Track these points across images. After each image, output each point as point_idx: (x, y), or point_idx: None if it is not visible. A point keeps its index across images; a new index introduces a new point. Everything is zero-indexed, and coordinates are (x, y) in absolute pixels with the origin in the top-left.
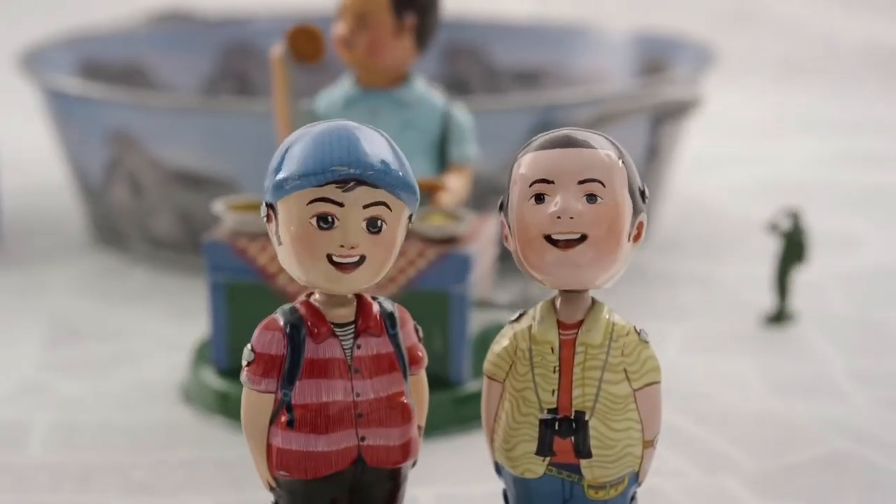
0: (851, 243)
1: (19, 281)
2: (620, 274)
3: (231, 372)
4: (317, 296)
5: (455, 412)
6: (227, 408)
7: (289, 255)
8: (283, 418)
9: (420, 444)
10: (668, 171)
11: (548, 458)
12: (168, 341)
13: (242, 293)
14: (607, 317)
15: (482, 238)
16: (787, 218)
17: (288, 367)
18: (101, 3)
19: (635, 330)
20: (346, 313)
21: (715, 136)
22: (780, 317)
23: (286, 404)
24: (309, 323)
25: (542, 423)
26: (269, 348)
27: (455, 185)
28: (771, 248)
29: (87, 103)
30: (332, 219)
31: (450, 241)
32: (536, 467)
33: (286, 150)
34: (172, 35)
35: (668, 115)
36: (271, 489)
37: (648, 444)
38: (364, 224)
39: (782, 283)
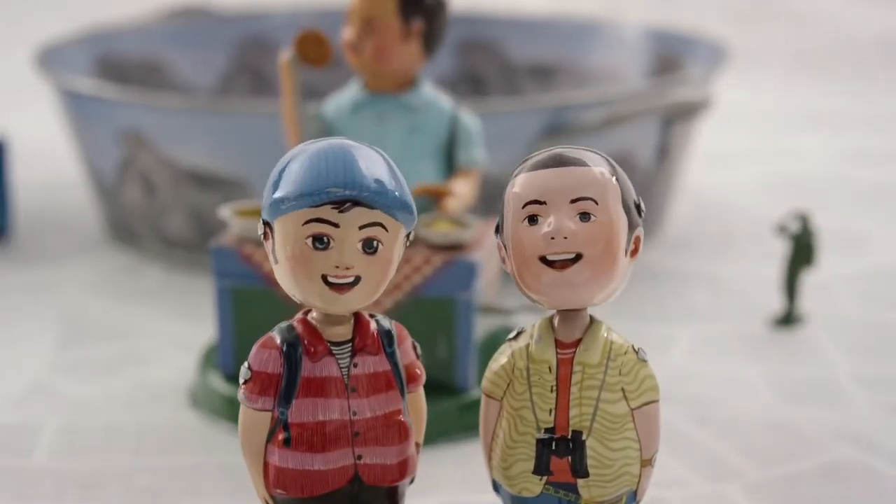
0: (865, 242)
1: (32, 278)
2: (620, 290)
3: (237, 377)
4: (314, 314)
5: (460, 419)
6: (234, 412)
7: (285, 274)
8: (280, 436)
9: (418, 461)
10: (679, 170)
11: (545, 477)
12: (178, 341)
13: (249, 299)
14: (605, 335)
15: (488, 244)
16: (796, 220)
17: (285, 386)
18: None
19: (633, 349)
20: (344, 331)
21: (727, 132)
22: (788, 319)
23: (283, 422)
24: (306, 341)
25: (539, 442)
26: (266, 366)
27: (462, 190)
28: (782, 246)
29: (100, 103)
30: (328, 239)
31: (456, 247)
32: (533, 486)
33: (283, 168)
34: (188, 30)
35: (678, 116)
36: None
37: (646, 462)
38: (360, 245)
39: (791, 286)
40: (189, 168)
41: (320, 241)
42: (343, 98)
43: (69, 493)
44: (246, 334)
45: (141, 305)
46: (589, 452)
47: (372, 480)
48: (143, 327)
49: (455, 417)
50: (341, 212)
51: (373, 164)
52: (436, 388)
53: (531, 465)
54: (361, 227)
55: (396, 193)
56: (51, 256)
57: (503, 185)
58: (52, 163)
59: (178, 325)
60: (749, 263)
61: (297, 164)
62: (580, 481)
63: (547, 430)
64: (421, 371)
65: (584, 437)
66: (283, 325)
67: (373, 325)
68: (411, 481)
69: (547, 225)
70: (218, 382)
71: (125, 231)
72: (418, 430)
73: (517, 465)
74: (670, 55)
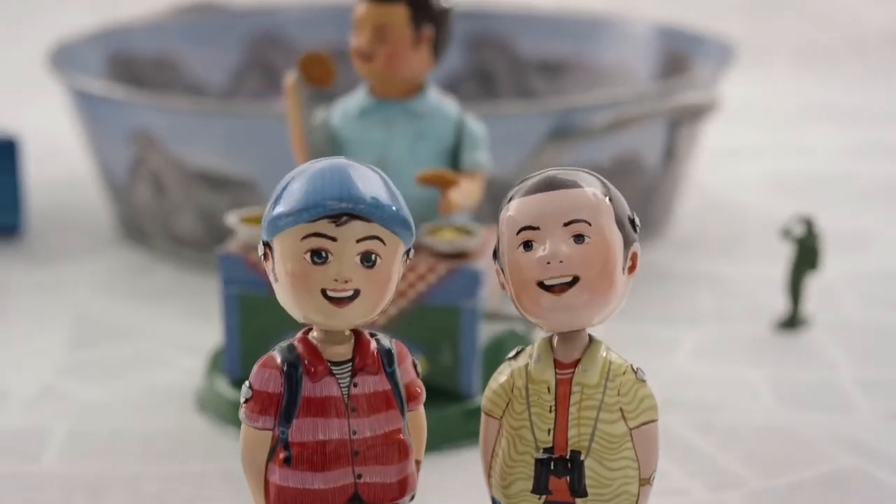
0: (872, 242)
1: (44, 277)
2: (619, 308)
3: (243, 383)
4: (315, 333)
5: (464, 425)
6: (239, 419)
7: (285, 291)
8: (281, 455)
9: (418, 478)
10: (686, 170)
11: (544, 497)
12: (187, 342)
13: (255, 305)
14: (604, 355)
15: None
16: (800, 224)
17: (285, 405)
18: None
19: (632, 369)
20: (344, 351)
21: (734, 128)
22: (792, 323)
23: (284, 441)
24: (306, 361)
25: (538, 462)
26: (267, 386)
27: (466, 185)
28: (788, 246)
29: (110, 104)
30: (326, 253)
31: (461, 255)
32: None
33: (282, 190)
34: (200, 26)
35: (686, 118)
36: None
37: (645, 481)
38: (358, 258)
39: (795, 290)
40: (198, 169)
41: (318, 256)
42: (349, 104)
43: (77, 499)
44: (252, 340)
45: (151, 305)
46: (587, 472)
47: (372, 499)
48: (152, 328)
49: (459, 423)
50: (338, 225)
51: (369, 180)
52: (440, 395)
53: (530, 484)
54: (359, 241)
55: (393, 208)
56: (63, 254)
57: (510, 188)
58: (65, 159)
59: (187, 325)
60: (756, 263)
61: (294, 184)
62: (579, 501)
63: (546, 450)
64: (421, 389)
65: (582, 457)
66: (284, 344)
67: (373, 345)
68: (411, 498)
69: (542, 250)
70: (224, 387)
71: (136, 230)
72: (418, 448)
73: (516, 483)
74: (679, 53)
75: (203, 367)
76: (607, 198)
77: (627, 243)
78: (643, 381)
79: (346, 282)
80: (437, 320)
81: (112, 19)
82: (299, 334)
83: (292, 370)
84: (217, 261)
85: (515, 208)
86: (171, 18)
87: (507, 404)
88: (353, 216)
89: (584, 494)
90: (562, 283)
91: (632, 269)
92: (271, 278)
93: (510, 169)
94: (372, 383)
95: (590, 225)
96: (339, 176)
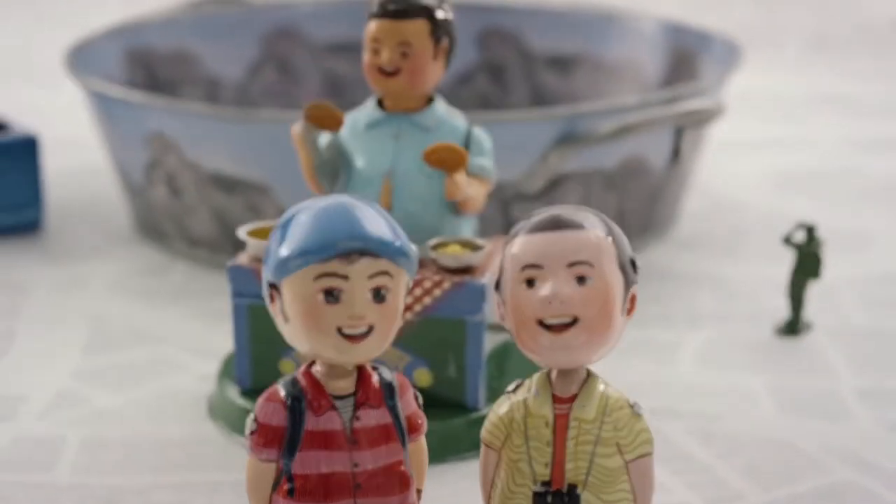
0: (877, 241)
1: (62, 275)
2: (615, 346)
3: (253, 392)
4: (318, 366)
5: (469, 434)
6: None
7: (297, 331)
8: (285, 487)
9: None
10: (691, 172)
11: None
12: (202, 345)
13: (265, 316)
14: (601, 389)
15: (498, 264)
16: (802, 231)
17: (289, 439)
18: None
19: (629, 403)
20: (347, 385)
21: (740, 121)
22: (793, 329)
23: (287, 473)
24: (309, 396)
25: (536, 495)
26: (271, 419)
27: (473, 181)
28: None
29: (127, 106)
30: (338, 293)
31: (466, 270)
32: None
33: (284, 231)
34: (216, 21)
35: (691, 124)
36: None
37: None
38: (370, 294)
39: (796, 297)
40: (213, 172)
41: (331, 295)
42: (358, 117)
43: None
44: (263, 351)
45: (166, 306)
46: None
47: None
48: (167, 330)
49: (464, 433)
50: (350, 264)
51: (372, 217)
52: (446, 407)
53: None
54: (370, 277)
55: (398, 243)
56: (81, 252)
57: (518, 190)
58: (84, 156)
59: (202, 327)
60: (758, 263)
61: (298, 225)
62: None
63: (543, 483)
64: (422, 420)
65: (579, 491)
66: (288, 377)
67: (375, 378)
68: None
69: (544, 289)
70: (236, 395)
71: (153, 229)
72: (419, 478)
73: None
74: (686, 50)
75: (215, 374)
76: (610, 238)
77: (627, 285)
78: (640, 415)
79: (360, 318)
80: (442, 333)
81: (130, 15)
82: (303, 367)
83: (296, 404)
84: (227, 273)
85: (520, 245)
86: (188, 13)
87: (506, 437)
88: (364, 253)
89: None
90: (561, 323)
91: (630, 310)
92: (279, 320)
93: (518, 174)
94: (374, 417)
95: (592, 267)
96: (346, 215)
